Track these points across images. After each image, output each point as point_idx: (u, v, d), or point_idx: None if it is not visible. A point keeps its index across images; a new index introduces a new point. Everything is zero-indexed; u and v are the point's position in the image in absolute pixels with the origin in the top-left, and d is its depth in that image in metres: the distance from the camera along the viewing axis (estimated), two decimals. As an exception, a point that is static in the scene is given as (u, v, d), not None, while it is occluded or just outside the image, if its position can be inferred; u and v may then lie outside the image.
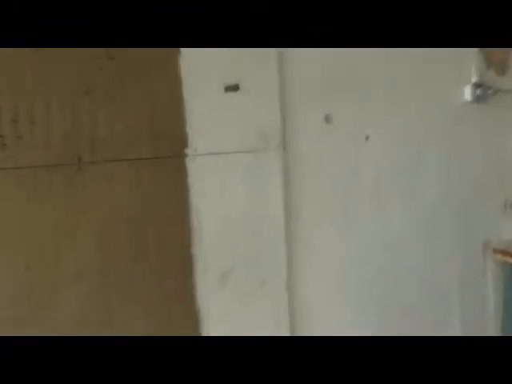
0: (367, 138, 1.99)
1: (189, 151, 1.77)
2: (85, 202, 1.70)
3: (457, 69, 2.12)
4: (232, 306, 1.87)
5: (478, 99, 2.13)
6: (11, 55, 1.58)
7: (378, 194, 2.02)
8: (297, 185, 1.91)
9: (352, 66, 1.95)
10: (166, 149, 1.75)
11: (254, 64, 1.81)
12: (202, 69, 1.75)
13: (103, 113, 1.69)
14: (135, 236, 1.75)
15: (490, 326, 2.26)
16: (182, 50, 1.72)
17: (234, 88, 1.78)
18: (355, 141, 1.99)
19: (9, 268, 1.67)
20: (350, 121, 1.97)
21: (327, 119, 1.94)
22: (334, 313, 2.01)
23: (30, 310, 1.70)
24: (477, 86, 2.13)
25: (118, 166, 1.71)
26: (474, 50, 2.13)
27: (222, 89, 1.78)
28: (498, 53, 2.19)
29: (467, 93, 2.13)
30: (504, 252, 2.20)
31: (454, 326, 2.21)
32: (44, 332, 1.70)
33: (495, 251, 2.22)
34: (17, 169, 1.64)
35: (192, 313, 1.82)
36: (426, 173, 2.10)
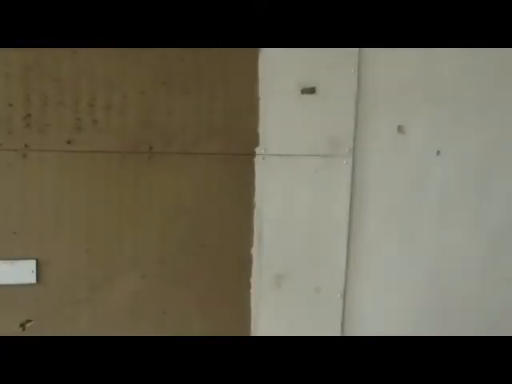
0: (438, 153, 1.94)
1: (258, 150, 1.75)
2: (151, 191, 1.71)
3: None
4: (285, 310, 1.85)
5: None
6: (105, 51, 1.61)
7: (444, 209, 1.96)
8: (363, 193, 1.87)
9: (431, 77, 1.90)
10: (235, 146, 1.74)
11: (332, 67, 1.78)
12: (280, 70, 1.73)
13: (178, 105, 1.69)
14: (196, 230, 1.75)
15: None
16: (262, 49, 1.71)
17: (311, 91, 1.75)
18: (426, 154, 1.94)
19: (71, 248, 1.70)
20: (423, 134, 1.91)
21: (400, 129, 1.89)
22: (389, 326, 1.97)
23: (86, 290, 1.73)
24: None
25: (187, 159, 1.71)
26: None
27: (298, 90, 1.75)
28: None
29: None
30: None
31: None
32: (97, 313, 1.73)
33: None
34: (90, 153, 1.66)
35: (245, 312, 1.82)
36: (495, 190, 2.03)
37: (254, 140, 1.75)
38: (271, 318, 1.84)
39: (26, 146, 1.63)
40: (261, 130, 1.74)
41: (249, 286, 1.81)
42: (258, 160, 1.75)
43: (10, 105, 1.60)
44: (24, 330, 1.70)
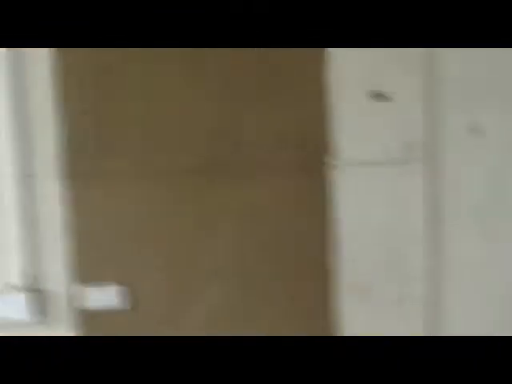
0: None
1: (332, 160, 1.73)
2: (226, 203, 1.72)
3: None
4: (369, 323, 1.80)
5: None
6: (162, 54, 1.64)
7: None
8: (439, 199, 1.81)
9: (505, 75, 1.83)
10: (309, 156, 1.73)
11: (401, 70, 1.74)
12: (351, 74, 1.71)
13: (251, 115, 1.69)
14: (273, 241, 1.74)
15: None
16: (332, 54, 1.69)
17: (381, 95, 1.73)
18: (504, 155, 1.86)
19: (149, 267, 1.72)
20: (501, 134, 1.84)
21: (476, 130, 1.83)
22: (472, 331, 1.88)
23: (168, 308, 1.74)
24: None
25: (261, 171, 1.72)
26: None
27: (370, 95, 1.73)
28: None
29: None
30: None
31: None
32: (181, 331, 1.73)
33: None
34: (164, 171, 1.69)
35: (325, 326, 1.78)
36: None
37: (328, 149, 1.73)
38: (353, 331, 1.80)
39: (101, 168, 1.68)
40: (334, 138, 1.73)
41: (329, 298, 1.77)
42: (332, 169, 1.73)
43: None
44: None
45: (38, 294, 1.68)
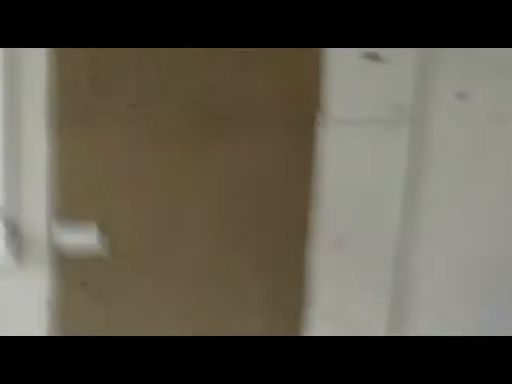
0: (502, 119, 1.88)
1: (321, 116, 1.73)
2: (213, 158, 1.71)
3: None
4: (343, 274, 1.85)
5: None
6: None
7: (509, 179, 1.91)
8: (423, 161, 1.84)
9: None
10: (298, 112, 1.73)
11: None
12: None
13: (241, 71, 1.67)
14: (257, 194, 1.75)
15: None
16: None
17: (373, 56, 1.72)
18: (489, 120, 1.88)
19: (133, 212, 1.72)
20: (487, 98, 1.86)
21: (462, 95, 1.84)
22: (440, 290, 1.94)
23: (146, 255, 1.75)
24: None
25: (250, 126, 1.71)
26: None
27: (362, 55, 1.72)
28: None
29: None
30: None
31: None
32: (160, 278, 1.75)
33: None
34: (153, 117, 1.66)
35: (303, 277, 1.82)
36: None
37: (317, 105, 1.73)
38: (330, 282, 1.84)
39: (90, 109, 1.64)
40: (324, 95, 1.72)
41: (308, 249, 1.81)
42: (320, 125, 1.74)
43: (78, 67, 1.61)
44: (84, 289, 1.73)
45: (17, 237, 1.68)
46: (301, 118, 1.73)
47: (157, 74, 1.64)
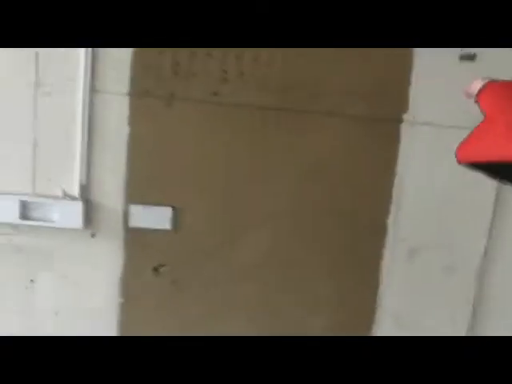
0: None
1: (407, 117, 1.66)
2: (291, 149, 1.68)
3: None
4: (414, 284, 1.78)
5: None
6: None
7: None
8: None
9: None
10: (383, 110, 1.66)
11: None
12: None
13: (326, 63, 1.62)
14: (333, 193, 1.71)
15: None
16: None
17: (470, 57, 1.62)
18: None
19: (207, 199, 1.71)
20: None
21: None
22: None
23: (219, 241, 1.74)
24: None
25: (331, 120, 1.66)
26: None
27: (457, 56, 1.63)
28: None
29: None
30: None
31: None
32: (227, 263, 1.74)
33: None
34: (233, 106, 1.65)
35: (373, 281, 1.77)
36: None
37: (404, 106, 1.65)
38: (400, 291, 1.78)
39: (171, 94, 1.64)
40: (412, 95, 1.64)
41: (381, 255, 1.75)
42: (405, 126, 1.66)
43: (161, 51, 1.61)
44: (157, 274, 1.75)
45: (92, 206, 1.70)
46: (386, 118, 1.66)
47: (239, 63, 1.62)
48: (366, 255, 1.75)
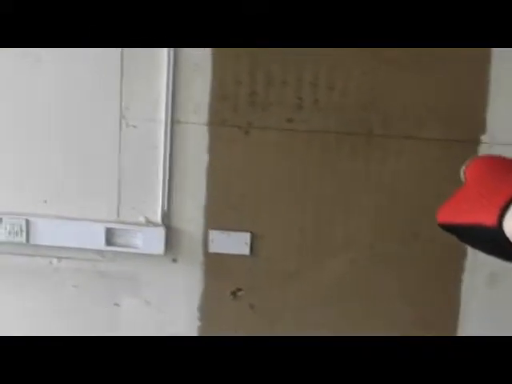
0: None
1: (485, 138, 1.63)
2: (367, 175, 1.68)
3: None
4: (497, 311, 1.73)
5: None
6: None
7: None
8: None
9: None
10: (460, 132, 1.64)
11: None
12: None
13: (400, 86, 1.63)
14: (410, 218, 1.70)
15: None
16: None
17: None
18: None
19: (284, 225, 1.74)
20: None
21: None
22: None
23: (296, 267, 1.76)
24: None
25: (407, 144, 1.66)
26: None
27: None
28: None
29: None
30: None
31: None
32: (305, 289, 1.75)
33: None
34: (309, 132, 1.68)
35: (453, 308, 1.73)
36: None
37: (481, 127, 1.63)
38: (481, 317, 1.73)
39: (248, 123, 1.69)
40: (489, 116, 1.62)
41: (460, 281, 1.71)
42: (484, 148, 1.64)
43: (239, 82, 1.67)
44: (235, 298, 1.78)
45: (173, 232, 1.76)
46: (463, 139, 1.64)
47: (314, 90, 1.65)
48: (446, 277, 1.72)
